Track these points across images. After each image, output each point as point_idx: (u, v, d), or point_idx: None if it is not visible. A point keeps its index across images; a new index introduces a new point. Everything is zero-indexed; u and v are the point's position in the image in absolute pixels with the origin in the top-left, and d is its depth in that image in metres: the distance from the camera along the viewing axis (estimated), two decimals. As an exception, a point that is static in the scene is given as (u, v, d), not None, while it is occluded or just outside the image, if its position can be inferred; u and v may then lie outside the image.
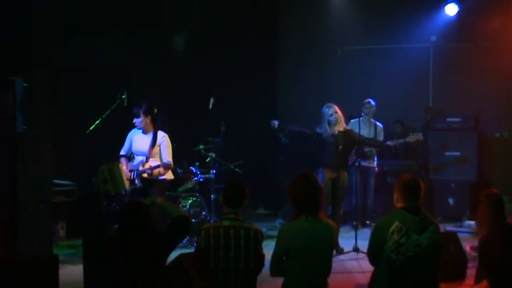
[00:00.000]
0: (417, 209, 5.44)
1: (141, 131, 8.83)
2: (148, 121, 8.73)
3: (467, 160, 11.85)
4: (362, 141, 9.99)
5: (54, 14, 10.01)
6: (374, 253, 5.51)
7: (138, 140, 8.86)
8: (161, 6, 12.22)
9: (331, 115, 9.50)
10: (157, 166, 8.63)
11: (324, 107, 9.60)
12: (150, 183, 8.64)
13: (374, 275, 5.57)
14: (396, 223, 5.35)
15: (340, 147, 9.44)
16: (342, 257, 9.12)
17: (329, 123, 9.50)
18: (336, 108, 9.56)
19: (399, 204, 5.52)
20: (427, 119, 12.62)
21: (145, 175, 8.65)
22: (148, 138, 8.75)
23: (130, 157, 8.99)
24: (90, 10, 11.05)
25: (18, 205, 7.92)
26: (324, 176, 9.32)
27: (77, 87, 10.95)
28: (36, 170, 8.56)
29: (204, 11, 12.71)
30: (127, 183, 8.57)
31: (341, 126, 9.60)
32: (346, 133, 9.65)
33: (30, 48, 9.63)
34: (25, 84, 7.78)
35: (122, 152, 9.00)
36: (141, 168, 8.67)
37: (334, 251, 9.14)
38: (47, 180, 8.73)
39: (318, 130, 9.59)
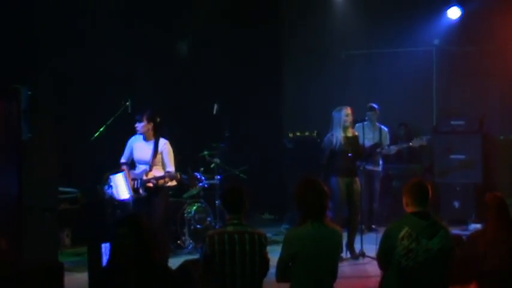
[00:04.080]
0: (427, 214, 5.42)
1: (141, 137, 8.63)
2: (150, 127, 8.55)
3: (472, 163, 11.81)
4: (361, 151, 9.70)
5: (58, 22, 10.02)
6: (383, 258, 5.51)
7: (139, 148, 8.69)
8: (164, 12, 12.20)
9: (347, 115, 9.37)
10: (163, 177, 8.47)
11: (338, 110, 9.45)
12: (155, 191, 8.51)
13: (383, 280, 5.56)
14: (406, 228, 5.33)
15: (351, 153, 9.36)
16: (348, 261, 9.11)
17: (344, 127, 9.39)
18: (350, 110, 9.42)
19: (409, 209, 5.50)
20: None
21: (150, 184, 8.48)
22: (149, 146, 8.57)
23: (131, 165, 8.89)
24: (94, 18, 11.06)
25: (23, 213, 7.93)
26: (338, 184, 9.27)
27: (81, 94, 10.96)
28: (41, 178, 8.57)
29: (207, 16, 12.70)
30: (131, 191, 8.51)
31: (351, 131, 9.56)
32: (355, 138, 9.61)
33: (34, 57, 9.64)
34: (30, 93, 7.80)
35: (123, 160, 8.83)
36: (144, 177, 8.50)
37: (349, 255, 9.22)
38: (52, 188, 8.75)
39: (329, 137, 9.41)
